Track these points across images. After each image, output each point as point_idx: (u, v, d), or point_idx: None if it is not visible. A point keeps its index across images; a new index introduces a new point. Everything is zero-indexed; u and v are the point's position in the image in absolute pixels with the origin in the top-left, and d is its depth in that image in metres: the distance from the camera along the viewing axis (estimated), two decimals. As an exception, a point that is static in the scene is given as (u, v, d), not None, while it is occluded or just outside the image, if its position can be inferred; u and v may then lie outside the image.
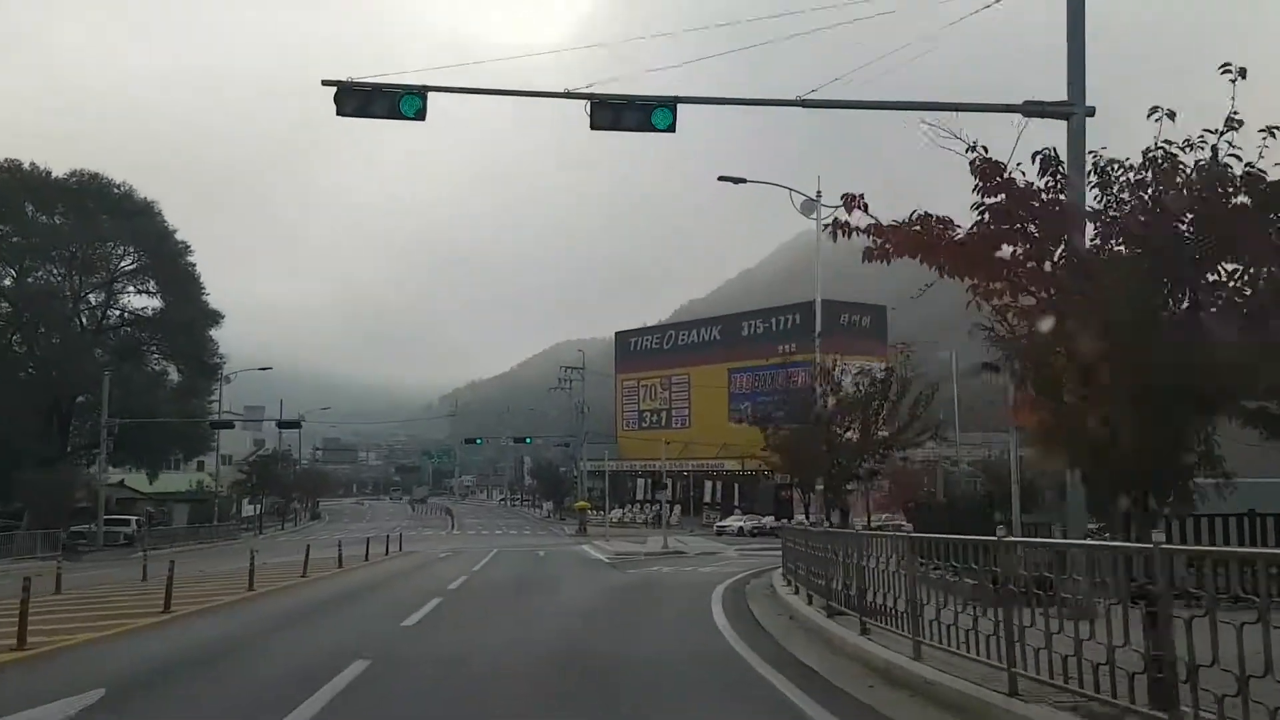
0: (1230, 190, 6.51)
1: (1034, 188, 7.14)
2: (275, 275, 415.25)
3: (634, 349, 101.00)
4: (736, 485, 76.35)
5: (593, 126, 15.01)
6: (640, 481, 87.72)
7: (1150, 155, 6.74)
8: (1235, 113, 6.51)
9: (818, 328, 29.86)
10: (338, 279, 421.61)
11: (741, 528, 63.72)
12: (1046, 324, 7.02)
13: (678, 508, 77.93)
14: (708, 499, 73.15)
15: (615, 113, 15.10)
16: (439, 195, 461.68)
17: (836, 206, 8.04)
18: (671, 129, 14.99)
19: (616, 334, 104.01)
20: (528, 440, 75.52)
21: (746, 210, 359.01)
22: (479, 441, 71.69)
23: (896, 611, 9.80)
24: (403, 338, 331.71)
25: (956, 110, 13.26)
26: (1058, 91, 13.88)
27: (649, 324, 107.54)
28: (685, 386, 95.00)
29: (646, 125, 15.03)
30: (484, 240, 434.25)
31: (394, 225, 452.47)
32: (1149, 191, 6.74)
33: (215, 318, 55.57)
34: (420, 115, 15.05)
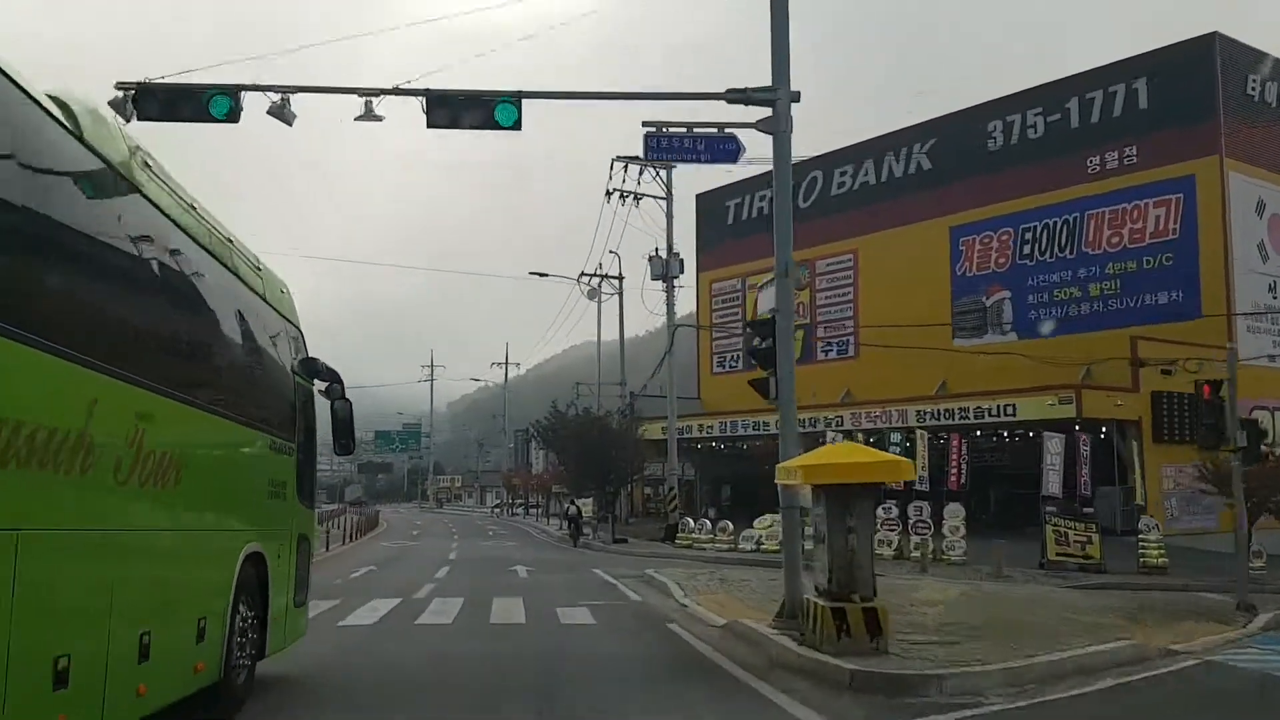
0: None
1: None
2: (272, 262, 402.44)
3: (733, 221, 51.89)
4: (1082, 452, 29.97)
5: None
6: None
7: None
8: None
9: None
10: (333, 272, 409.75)
11: None
12: None
13: (923, 507, 28.24)
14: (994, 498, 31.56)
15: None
16: (436, 190, 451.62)
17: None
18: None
19: (698, 197, 53.89)
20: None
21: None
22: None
23: None
24: (406, 338, 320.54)
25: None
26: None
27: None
28: (848, 273, 46.41)
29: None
30: (489, 240, 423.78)
31: (396, 221, 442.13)
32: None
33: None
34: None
